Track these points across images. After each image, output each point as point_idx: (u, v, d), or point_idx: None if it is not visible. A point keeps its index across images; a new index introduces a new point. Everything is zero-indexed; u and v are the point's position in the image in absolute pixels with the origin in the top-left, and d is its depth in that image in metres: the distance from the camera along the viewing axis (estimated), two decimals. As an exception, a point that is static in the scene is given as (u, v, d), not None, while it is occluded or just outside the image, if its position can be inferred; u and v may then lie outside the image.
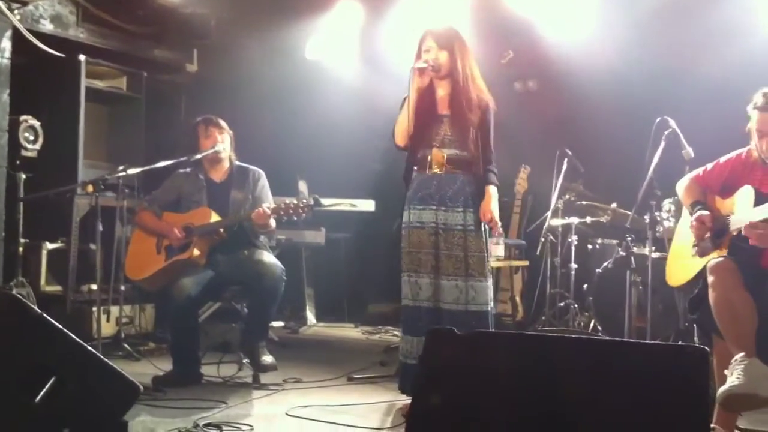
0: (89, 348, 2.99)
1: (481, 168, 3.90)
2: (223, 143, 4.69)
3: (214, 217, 4.55)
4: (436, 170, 3.89)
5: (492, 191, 3.90)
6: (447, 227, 3.85)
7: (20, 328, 2.97)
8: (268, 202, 4.61)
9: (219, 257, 4.57)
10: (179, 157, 4.74)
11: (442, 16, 4.95)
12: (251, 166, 4.80)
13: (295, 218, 4.50)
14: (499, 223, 3.94)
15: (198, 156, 4.67)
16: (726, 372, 3.01)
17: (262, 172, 4.80)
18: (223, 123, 4.75)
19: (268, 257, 4.58)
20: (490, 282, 3.90)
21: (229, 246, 4.58)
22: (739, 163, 3.48)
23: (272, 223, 4.54)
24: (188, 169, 4.77)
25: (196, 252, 4.49)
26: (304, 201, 4.47)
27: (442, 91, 3.96)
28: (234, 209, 4.63)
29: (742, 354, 2.99)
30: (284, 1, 6.65)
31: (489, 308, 3.83)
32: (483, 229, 3.89)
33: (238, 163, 4.79)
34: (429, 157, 3.90)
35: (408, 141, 3.96)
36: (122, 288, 5.27)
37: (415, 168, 3.97)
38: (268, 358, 4.47)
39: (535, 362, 2.22)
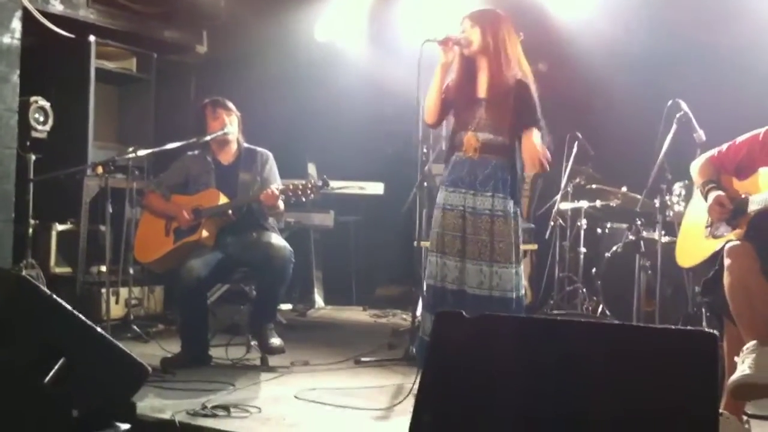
0: (98, 329, 3.00)
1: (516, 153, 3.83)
2: (231, 125, 4.68)
3: (223, 199, 4.55)
4: (470, 154, 3.83)
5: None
6: (475, 211, 3.79)
7: (30, 309, 2.98)
8: (276, 184, 4.61)
9: (228, 239, 4.58)
10: (188, 139, 4.73)
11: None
12: (259, 148, 4.79)
13: (304, 199, 4.49)
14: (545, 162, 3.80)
15: (207, 138, 4.65)
16: (737, 359, 2.93)
17: (269, 154, 4.79)
18: (230, 104, 4.73)
19: (277, 239, 4.58)
20: (520, 269, 3.82)
21: (238, 228, 4.58)
22: (757, 143, 3.37)
23: (281, 204, 4.54)
24: (196, 151, 4.76)
25: (204, 233, 4.49)
26: (313, 181, 4.46)
27: (482, 73, 3.89)
28: (242, 191, 4.62)
29: (754, 342, 2.90)
30: (293, -18, 6.62)
31: (515, 295, 3.75)
32: (513, 214, 3.82)
33: (246, 145, 4.78)
34: (464, 141, 3.86)
35: (437, 120, 3.96)
36: (131, 270, 5.30)
37: (456, 150, 3.93)
38: (276, 341, 4.48)
39: (543, 346, 2.20)
